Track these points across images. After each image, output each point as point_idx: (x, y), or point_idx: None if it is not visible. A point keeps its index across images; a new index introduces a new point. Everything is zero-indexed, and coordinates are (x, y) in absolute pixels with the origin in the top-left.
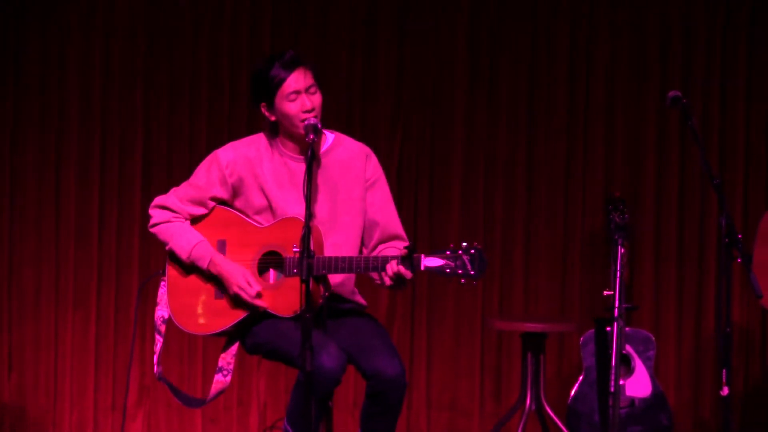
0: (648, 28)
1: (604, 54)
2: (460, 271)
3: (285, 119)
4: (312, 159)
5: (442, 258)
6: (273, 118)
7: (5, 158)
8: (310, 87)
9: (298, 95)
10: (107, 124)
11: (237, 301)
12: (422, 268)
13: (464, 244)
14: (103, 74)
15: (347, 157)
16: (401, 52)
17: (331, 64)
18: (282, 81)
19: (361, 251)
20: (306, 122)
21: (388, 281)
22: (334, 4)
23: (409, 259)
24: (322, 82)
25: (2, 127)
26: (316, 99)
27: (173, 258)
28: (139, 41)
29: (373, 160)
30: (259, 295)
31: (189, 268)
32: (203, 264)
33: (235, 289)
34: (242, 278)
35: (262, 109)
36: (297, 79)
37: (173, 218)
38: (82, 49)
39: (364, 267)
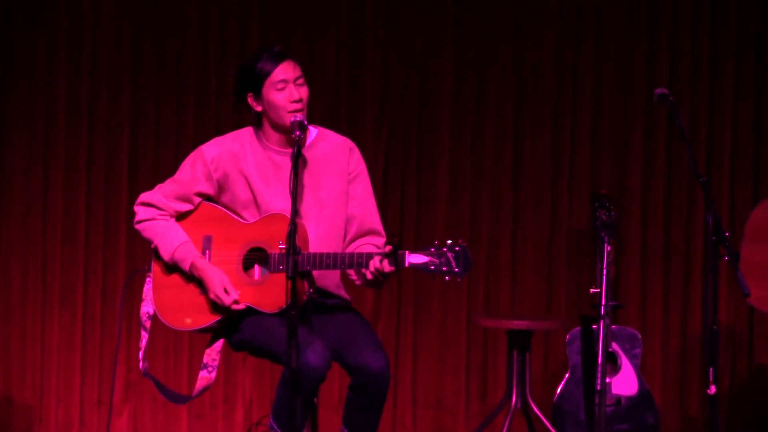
0: (635, 24)
1: (591, 51)
2: (444, 269)
3: (272, 109)
4: (298, 156)
5: (427, 255)
6: (259, 108)
7: None
8: (297, 78)
9: (286, 84)
10: (94, 122)
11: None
12: (406, 264)
13: (449, 241)
14: (89, 72)
15: (331, 151)
16: (388, 50)
17: (317, 62)
18: (271, 70)
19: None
20: (293, 118)
21: (369, 276)
22: (321, 4)
23: (393, 255)
24: (308, 78)
25: None
26: (304, 91)
27: (158, 254)
28: (126, 38)
29: (357, 153)
30: (236, 302)
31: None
32: (185, 266)
33: (212, 297)
34: (220, 286)
35: (249, 99)
36: (285, 69)
37: (158, 216)
38: (69, 47)
39: (348, 263)
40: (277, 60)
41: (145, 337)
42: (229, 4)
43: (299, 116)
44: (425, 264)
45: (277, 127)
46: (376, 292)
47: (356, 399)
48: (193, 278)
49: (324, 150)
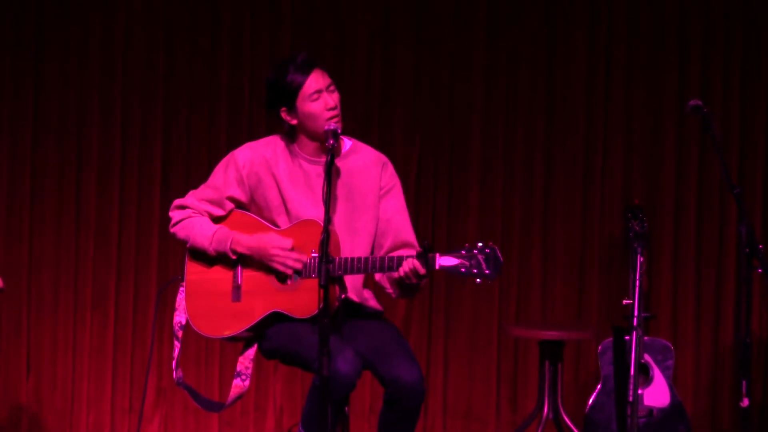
0: (667, 34)
1: (623, 60)
2: (475, 271)
3: (309, 120)
4: (331, 164)
5: (457, 257)
6: (294, 122)
7: (26, 159)
8: (329, 85)
9: (320, 94)
10: (127, 127)
11: (253, 304)
12: (437, 266)
13: (479, 243)
14: (123, 75)
15: (363, 164)
16: (418, 57)
17: (349, 69)
18: (302, 83)
19: None
20: (326, 127)
21: (403, 276)
22: (352, 12)
23: (424, 257)
24: (339, 85)
25: (23, 128)
26: (336, 97)
27: (193, 256)
28: (159, 42)
29: (390, 168)
30: (293, 249)
31: (210, 261)
32: (226, 246)
33: (273, 252)
34: (274, 243)
35: (282, 114)
36: (316, 79)
37: (192, 214)
38: (103, 50)
39: (379, 267)
40: (306, 71)
41: (177, 346)
42: (261, 10)
43: (333, 124)
44: (456, 266)
45: (314, 136)
46: (407, 301)
47: (390, 413)
48: (228, 278)
49: (357, 162)
